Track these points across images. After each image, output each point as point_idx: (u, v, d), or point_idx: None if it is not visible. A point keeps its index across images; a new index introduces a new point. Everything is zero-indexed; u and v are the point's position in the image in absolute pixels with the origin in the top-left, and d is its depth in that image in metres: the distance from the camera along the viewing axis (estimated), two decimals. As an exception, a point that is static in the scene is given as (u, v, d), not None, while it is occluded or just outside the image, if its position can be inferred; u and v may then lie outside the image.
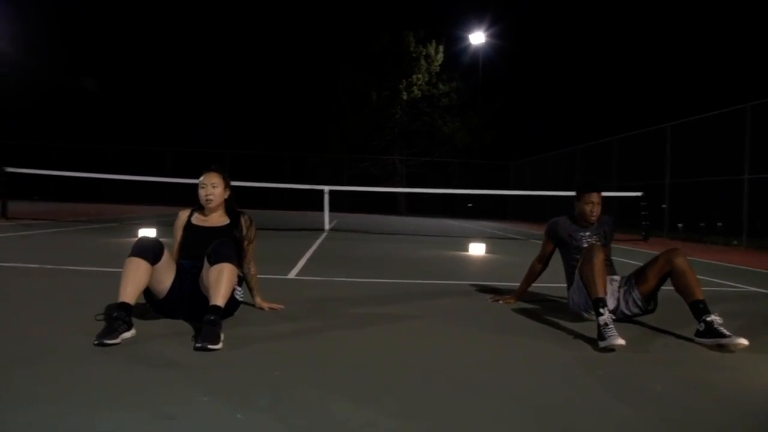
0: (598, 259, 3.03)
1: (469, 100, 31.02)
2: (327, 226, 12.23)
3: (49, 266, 4.72)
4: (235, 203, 3.37)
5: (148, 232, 6.73)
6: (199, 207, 3.33)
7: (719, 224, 13.36)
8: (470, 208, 29.02)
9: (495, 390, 2.10)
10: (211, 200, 3.23)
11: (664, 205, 14.32)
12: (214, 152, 30.02)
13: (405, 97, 30.29)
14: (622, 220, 15.78)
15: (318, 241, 8.83)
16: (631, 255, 8.47)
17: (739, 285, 5.53)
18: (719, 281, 5.78)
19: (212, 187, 3.23)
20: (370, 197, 27.92)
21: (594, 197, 3.55)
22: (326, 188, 12.83)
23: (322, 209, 12.81)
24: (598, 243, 3.49)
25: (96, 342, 2.41)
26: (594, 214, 3.56)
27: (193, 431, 1.63)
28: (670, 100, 28.74)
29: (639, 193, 11.32)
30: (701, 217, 13.70)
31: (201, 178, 3.27)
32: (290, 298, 3.71)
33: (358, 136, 31.00)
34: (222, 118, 43.79)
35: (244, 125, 42.51)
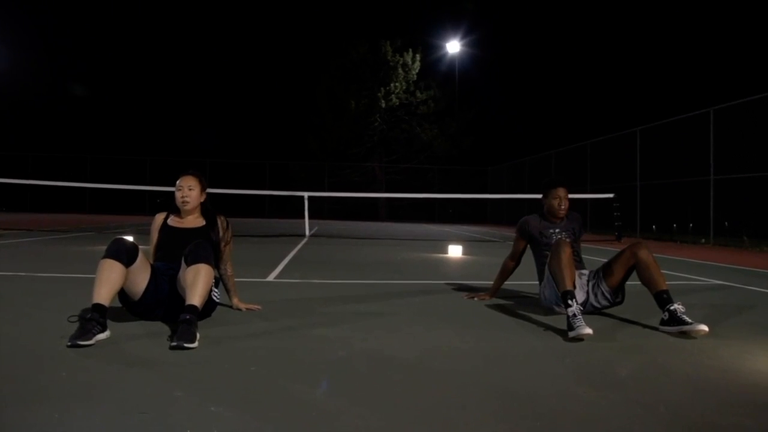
0: (565, 254, 3.12)
1: (446, 107, 31.37)
2: (308, 232, 12.24)
3: (22, 273, 4.67)
4: (210, 205, 3.40)
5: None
6: (175, 210, 3.35)
7: (689, 224, 13.70)
8: (450, 213, 29.25)
9: (466, 380, 2.15)
10: (187, 202, 3.25)
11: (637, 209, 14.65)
12: (194, 161, 29.80)
13: (383, 105, 30.51)
14: (596, 221, 16.09)
15: (298, 247, 8.85)
16: (605, 255, 8.64)
17: (703, 278, 5.73)
18: (686, 275, 5.99)
19: (188, 190, 3.26)
20: (350, 204, 28.02)
21: (561, 192, 3.67)
22: (306, 194, 12.85)
23: (303, 216, 12.83)
24: (566, 238, 3.61)
25: (69, 343, 2.40)
26: (562, 208, 3.68)
27: (165, 425, 1.65)
28: (640, 104, 29.42)
29: (611, 195, 11.57)
30: (672, 217, 14.04)
31: (178, 181, 3.30)
32: (268, 299, 3.74)
33: (338, 144, 31.12)
34: (202, 126, 43.48)
35: (224, 134, 42.29)
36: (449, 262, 7.10)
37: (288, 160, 31.15)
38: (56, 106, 37.37)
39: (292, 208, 15.35)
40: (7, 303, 3.48)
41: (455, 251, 8.03)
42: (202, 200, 3.33)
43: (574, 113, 33.11)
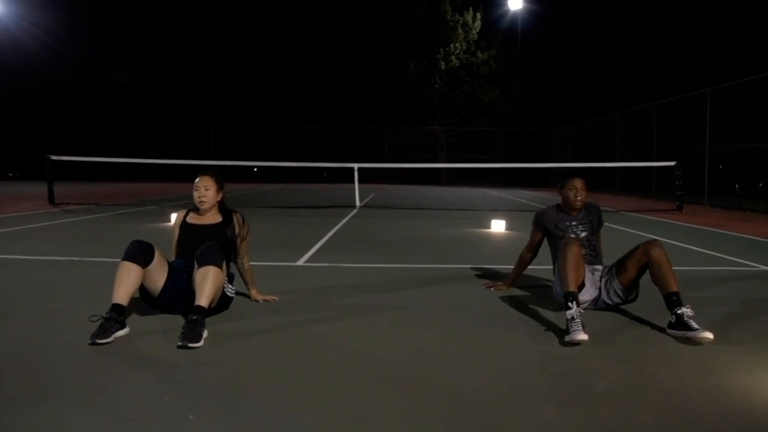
0: (572, 254, 3.07)
1: (508, 67, 30.36)
2: (357, 203, 12.43)
3: (75, 258, 5.09)
4: (226, 203, 3.58)
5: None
6: (195, 207, 3.55)
7: (764, 193, 12.74)
8: (514, 175, 28.48)
9: (436, 391, 2.20)
10: (204, 202, 3.44)
11: (720, 166, 13.71)
12: (257, 127, 30.63)
13: (443, 66, 29.91)
14: (660, 187, 15.31)
15: (343, 221, 9.01)
16: (662, 227, 8.27)
17: (753, 264, 5.28)
18: (734, 258, 5.58)
19: (205, 190, 3.44)
20: (411, 168, 27.92)
21: (577, 183, 3.60)
22: (356, 165, 12.99)
23: (361, 182, 13.13)
24: (582, 234, 3.56)
25: (90, 342, 2.67)
26: (578, 199, 3.60)
27: (144, 432, 1.84)
28: (711, 64, 27.21)
29: (672, 163, 10.95)
30: (744, 184, 13.09)
31: (195, 181, 3.48)
32: (289, 288, 3.92)
33: (398, 107, 30.94)
34: (264, 94, 44.39)
35: (285, 101, 43.01)
36: (489, 239, 7.06)
37: (348, 126, 31.36)
38: (123, 81, 39.34)
39: (351, 174, 15.57)
40: (52, 293, 3.83)
41: (498, 226, 7.97)
42: (218, 199, 3.50)
43: (641, 73, 31.10)
